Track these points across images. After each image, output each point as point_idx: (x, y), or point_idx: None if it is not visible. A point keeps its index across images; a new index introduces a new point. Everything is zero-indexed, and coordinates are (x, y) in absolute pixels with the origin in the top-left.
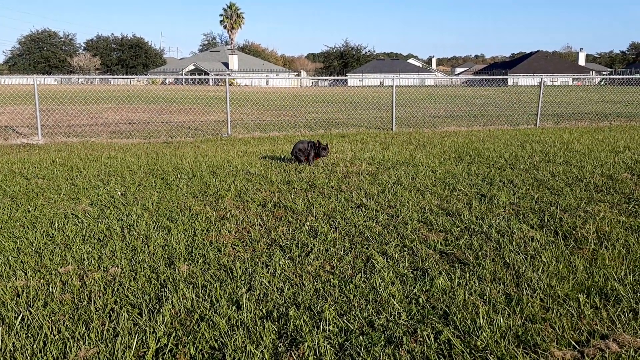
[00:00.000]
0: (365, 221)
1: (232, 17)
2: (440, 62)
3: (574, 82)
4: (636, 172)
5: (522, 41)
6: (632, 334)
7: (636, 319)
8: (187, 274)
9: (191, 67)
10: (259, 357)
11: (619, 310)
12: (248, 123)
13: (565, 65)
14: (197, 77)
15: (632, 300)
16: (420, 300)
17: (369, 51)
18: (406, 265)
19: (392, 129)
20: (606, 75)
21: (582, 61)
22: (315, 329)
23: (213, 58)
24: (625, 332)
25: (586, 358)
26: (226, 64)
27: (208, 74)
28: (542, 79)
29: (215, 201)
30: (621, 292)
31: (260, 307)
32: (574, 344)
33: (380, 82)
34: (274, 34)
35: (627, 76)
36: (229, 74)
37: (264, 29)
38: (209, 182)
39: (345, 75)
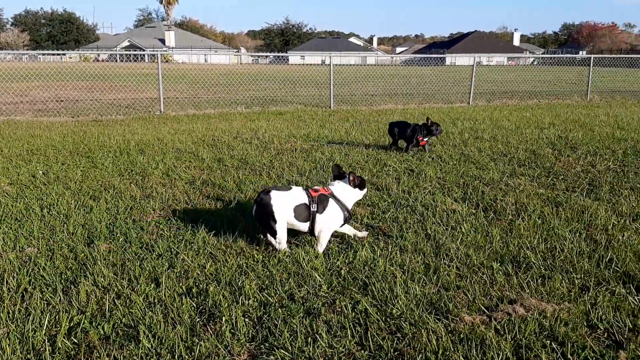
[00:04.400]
0: None
1: None
2: (381, 41)
3: (509, 62)
4: (557, 147)
5: (460, 21)
6: (539, 299)
7: (544, 284)
8: (107, 252)
9: (126, 43)
10: (175, 333)
11: (529, 276)
12: (182, 101)
13: (500, 45)
14: (131, 52)
15: (542, 267)
16: (342, 272)
17: (310, 29)
18: (331, 239)
19: (330, 107)
20: (539, 55)
21: (516, 41)
22: (235, 303)
23: (149, 34)
24: (533, 297)
25: (494, 322)
26: (163, 41)
27: (144, 50)
28: (474, 58)
29: (141, 179)
30: (532, 259)
31: (180, 284)
32: (484, 309)
33: (322, 61)
34: (212, 9)
35: (558, 55)
36: (165, 50)
37: (202, 4)
38: (136, 160)
39: (287, 53)
